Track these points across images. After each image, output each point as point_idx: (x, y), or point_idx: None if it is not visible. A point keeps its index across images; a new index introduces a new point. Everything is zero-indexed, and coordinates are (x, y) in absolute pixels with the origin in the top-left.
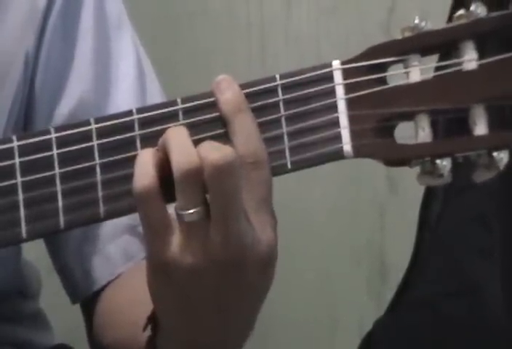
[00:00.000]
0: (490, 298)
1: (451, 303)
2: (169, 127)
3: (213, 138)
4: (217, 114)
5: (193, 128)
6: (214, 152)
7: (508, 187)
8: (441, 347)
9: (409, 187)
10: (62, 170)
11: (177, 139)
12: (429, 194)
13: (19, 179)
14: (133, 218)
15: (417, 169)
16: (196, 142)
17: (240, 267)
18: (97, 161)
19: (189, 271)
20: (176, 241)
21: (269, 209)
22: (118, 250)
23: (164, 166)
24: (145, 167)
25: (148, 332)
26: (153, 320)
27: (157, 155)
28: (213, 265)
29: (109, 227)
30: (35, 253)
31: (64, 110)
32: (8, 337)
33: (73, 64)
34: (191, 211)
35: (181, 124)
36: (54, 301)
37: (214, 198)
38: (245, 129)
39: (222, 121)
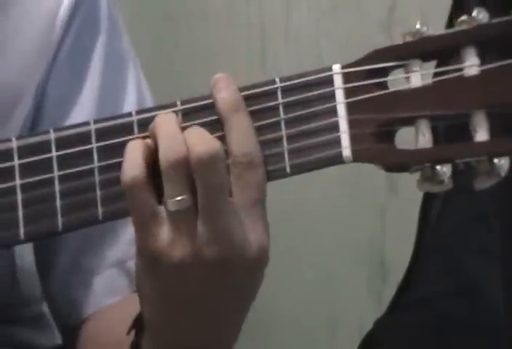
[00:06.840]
0: (490, 297)
1: (451, 303)
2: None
3: None
4: (217, 117)
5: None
6: (200, 144)
7: (508, 187)
8: (441, 347)
9: (409, 187)
10: (61, 172)
11: (166, 126)
12: (429, 194)
13: (17, 181)
14: (123, 252)
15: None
16: None
17: (228, 266)
18: (96, 163)
19: (177, 265)
20: (165, 232)
21: (262, 211)
22: (103, 284)
23: (154, 154)
24: (133, 157)
25: (133, 335)
26: (138, 321)
27: (147, 145)
28: (200, 261)
29: (97, 259)
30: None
31: None
32: (9, 338)
33: (78, 100)
34: (177, 199)
35: (181, 126)
36: None
37: (199, 190)
38: (240, 128)
39: (221, 123)
